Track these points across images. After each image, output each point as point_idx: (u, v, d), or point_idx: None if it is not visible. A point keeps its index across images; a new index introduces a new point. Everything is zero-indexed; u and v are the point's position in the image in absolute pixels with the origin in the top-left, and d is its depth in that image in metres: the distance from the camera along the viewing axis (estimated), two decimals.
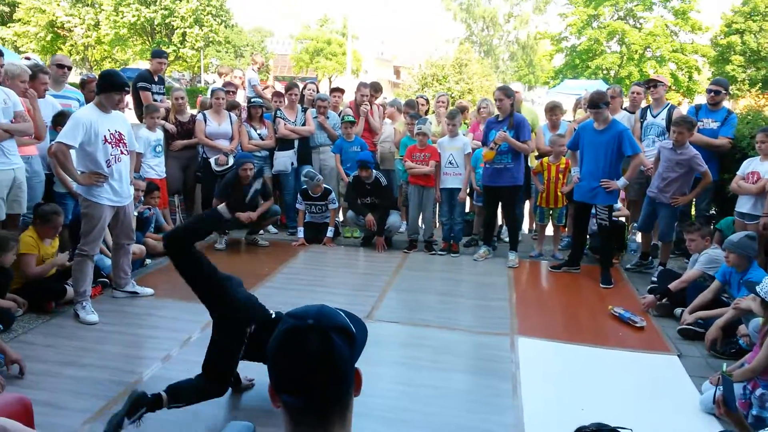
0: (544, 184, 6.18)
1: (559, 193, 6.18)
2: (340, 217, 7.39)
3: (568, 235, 6.66)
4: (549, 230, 6.55)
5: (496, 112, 7.40)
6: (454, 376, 3.69)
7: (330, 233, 6.68)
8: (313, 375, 1.08)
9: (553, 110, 6.56)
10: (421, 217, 6.61)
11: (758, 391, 3.11)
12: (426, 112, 7.67)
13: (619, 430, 1.96)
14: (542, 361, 3.93)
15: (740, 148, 5.79)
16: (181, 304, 4.66)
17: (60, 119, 5.06)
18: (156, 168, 6.25)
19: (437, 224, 7.02)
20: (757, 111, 7.72)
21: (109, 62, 32.88)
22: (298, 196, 6.70)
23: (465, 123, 7.11)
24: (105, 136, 4.26)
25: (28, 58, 7.10)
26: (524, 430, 3.07)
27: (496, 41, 41.69)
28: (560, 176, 6.21)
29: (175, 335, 4.11)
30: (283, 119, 6.88)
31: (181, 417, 3.02)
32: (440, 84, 23.34)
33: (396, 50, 54.45)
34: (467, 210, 6.87)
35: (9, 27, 30.56)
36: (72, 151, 4.26)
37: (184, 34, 31.59)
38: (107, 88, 4.28)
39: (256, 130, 6.95)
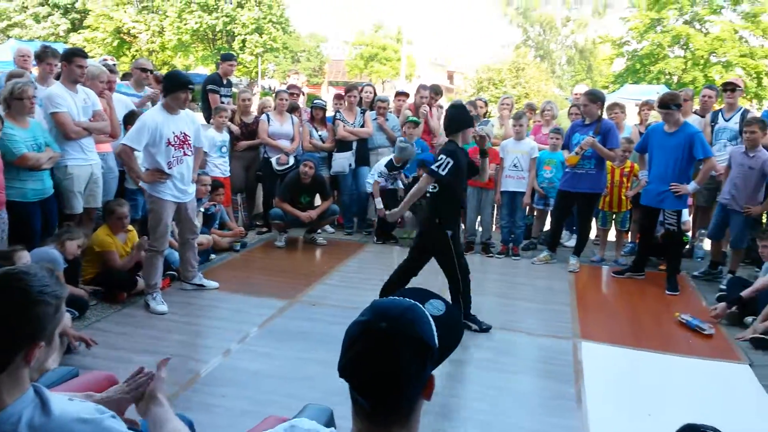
0: (608, 188, 6.03)
1: (623, 197, 6.03)
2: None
3: (632, 240, 6.49)
4: (611, 235, 6.40)
5: (557, 114, 7.33)
6: (517, 377, 3.65)
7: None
8: (369, 379, 1.05)
9: (612, 108, 6.40)
10: (478, 219, 6.57)
11: None
12: (484, 115, 7.62)
13: None
14: (607, 366, 3.86)
15: None
16: (244, 298, 4.80)
17: (131, 119, 5.27)
18: (220, 167, 6.44)
19: (495, 227, 6.96)
20: None
21: (169, 68, 34.06)
22: (383, 168, 6.58)
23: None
24: (169, 139, 4.33)
25: (106, 59, 7.45)
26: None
27: (553, 45, 41.03)
28: (624, 180, 6.06)
29: (238, 327, 4.20)
30: (342, 121, 6.97)
31: (255, 397, 3.13)
32: (496, 88, 23.16)
33: (450, 55, 54.22)
34: (527, 213, 6.77)
35: (79, 33, 32.09)
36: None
37: (244, 41, 32.43)
38: (173, 88, 4.37)
39: (317, 131, 7.08)
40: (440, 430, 3.00)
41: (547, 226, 6.79)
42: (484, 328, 4.26)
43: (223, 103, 6.98)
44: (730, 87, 6.14)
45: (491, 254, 6.37)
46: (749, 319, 4.46)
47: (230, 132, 6.72)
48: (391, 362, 1.03)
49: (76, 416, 1.30)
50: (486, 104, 7.92)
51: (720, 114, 6.12)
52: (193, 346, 4.04)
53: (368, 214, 7.40)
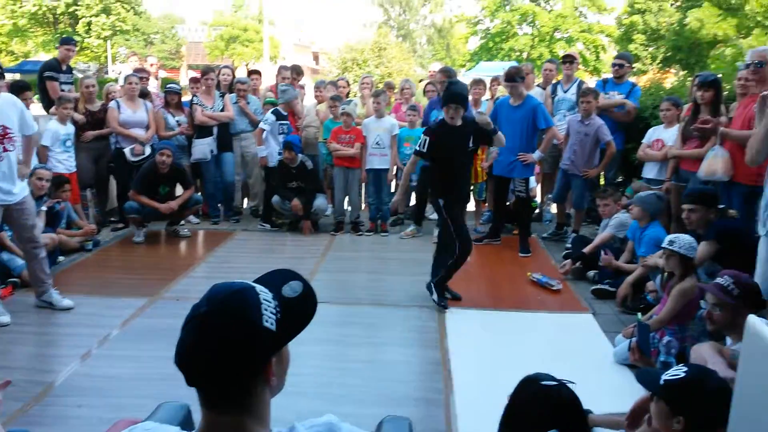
0: None
1: (479, 169, 6.36)
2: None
3: (489, 209, 6.88)
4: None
5: (417, 92, 7.55)
6: (387, 349, 3.77)
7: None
8: (193, 365, 1.03)
9: (477, 84, 6.71)
10: (347, 198, 6.64)
11: (665, 339, 3.36)
12: (347, 95, 7.67)
13: (564, 381, 2.04)
14: (468, 329, 4.08)
15: (643, 119, 6.16)
16: (100, 300, 4.50)
17: None
18: (65, 162, 5.93)
19: (363, 205, 7.06)
20: (658, 84, 8.22)
21: (6, 55, 30.63)
22: (271, 117, 6.44)
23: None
24: None
25: None
26: (454, 393, 3.19)
27: (413, 25, 42.06)
28: (479, 152, 6.38)
29: (95, 331, 3.93)
30: (200, 106, 6.69)
31: (114, 402, 2.95)
32: (360, 68, 23.37)
33: (314, 36, 53.80)
34: (392, 190, 6.94)
35: None
36: None
37: (89, 23, 29.88)
38: None
39: (173, 117, 6.73)
40: (314, 410, 3.02)
41: (412, 201, 7.00)
42: (442, 305, 4.32)
43: (63, 90, 6.41)
44: (568, 59, 6.68)
45: (361, 233, 6.47)
46: (591, 273, 4.94)
47: (74, 122, 6.19)
48: (208, 346, 1.00)
49: None
50: (348, 84, 7.96)
51: (559, 86, 6.63)
52: (44, 356, 3.74)
53: (235, 201, 7.21)
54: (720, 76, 5.03)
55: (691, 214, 3.95)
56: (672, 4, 26.43)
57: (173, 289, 4.74)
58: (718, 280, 2.82)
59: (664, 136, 5.30)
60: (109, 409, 2.94)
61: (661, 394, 1.96)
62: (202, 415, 1.09)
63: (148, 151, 6.38)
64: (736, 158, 4.34)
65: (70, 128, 6.03)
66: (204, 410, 1.08)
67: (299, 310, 1.10)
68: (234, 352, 1.01)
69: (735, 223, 3.99)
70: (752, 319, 0.98)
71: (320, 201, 6.59)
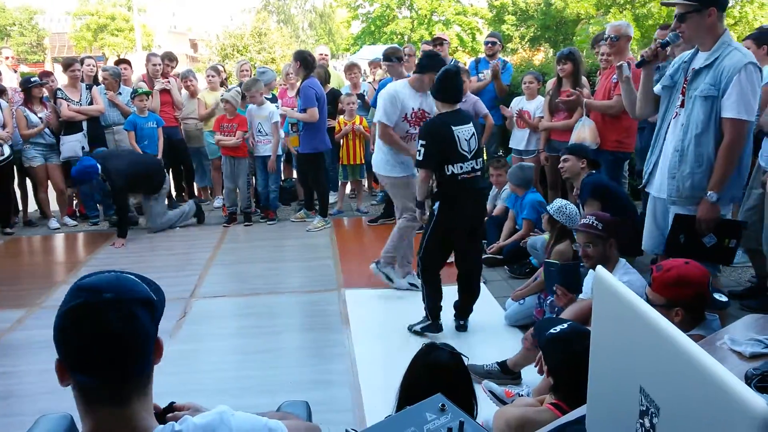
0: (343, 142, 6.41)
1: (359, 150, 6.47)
2: None
3: (382, 189, 6.97)
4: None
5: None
6: (288, 336, 3.75)
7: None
8: (113, 354, 1.03)
9: (351, 69, 6.74)
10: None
11: (548, 299, 3.61)
12: (226, 80, 7.43)
13: (453, 351, 2.10)
14: (368, 308, 4.14)
15: (517, 94, 6.47)
16: None
17: None
18: None
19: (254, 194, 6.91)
20: (528, 61, 8.68)
21: None
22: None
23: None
24: None
25: None
26: (357, 372, 3.23)
27: (293, 10, 41.37)
28: (356, 133, 6.47)
29: None
30: (65, 100, 6.20)
31: None
32: (241, 54, 22.69)
33: (190, 23, 51.52)
34: (287, 176, 6.86)
35: None
36: None
37: None
38: None
39: (36, 114, 6.18)
40: (214, 406, 2.94)
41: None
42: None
43: None
44: (438, 42, 6.85)
45: (250, 223, 6.32)
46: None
47: None
48: (132, 327, 1.04)
49: None
50: (224, 69, 7.72)
51: None
52: None
53: None
54: (577, 49, 5.39)
55: (564, 163, 4.25)
56: None
57: (54, 297, 4.39)
58: (583, 221, 3.10)
59: (530, 107, 5.62)
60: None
61: (542, 346, 2.13)
62: (88, 418, 1.05)
63: (7, 151, 5.86)
64: (601, 127, 4.71)
65: None
66: (96, 410, 1.05)
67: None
68: (147, 326, 1.06)
69: (599, 178, 4.34)
70: (599, 269, 1.09)
71: None
